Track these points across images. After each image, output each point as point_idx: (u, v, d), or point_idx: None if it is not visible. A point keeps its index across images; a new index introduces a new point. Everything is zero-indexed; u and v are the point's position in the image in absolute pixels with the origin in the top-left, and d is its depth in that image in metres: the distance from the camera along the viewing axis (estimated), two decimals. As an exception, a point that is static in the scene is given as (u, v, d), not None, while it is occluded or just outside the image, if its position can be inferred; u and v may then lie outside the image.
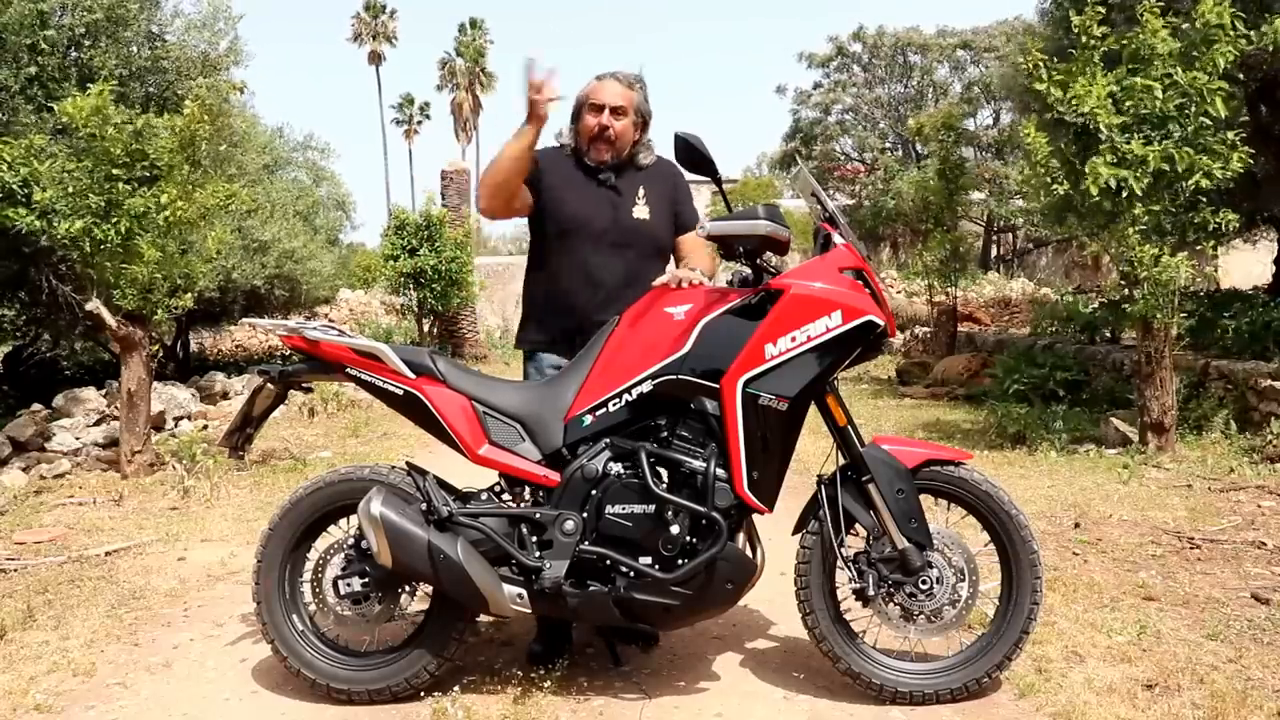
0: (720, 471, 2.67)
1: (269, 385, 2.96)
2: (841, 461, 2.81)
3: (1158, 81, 5.88)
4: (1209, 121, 5.86)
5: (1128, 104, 6.00)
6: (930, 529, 2.74)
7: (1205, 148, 5.90)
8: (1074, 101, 6.04)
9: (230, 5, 9.18)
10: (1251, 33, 5.88)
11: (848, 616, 2.84)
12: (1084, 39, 6.17)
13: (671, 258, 3.26)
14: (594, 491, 2.72)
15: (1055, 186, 6.33)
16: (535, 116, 2.90)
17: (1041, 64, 6.23)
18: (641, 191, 3.13)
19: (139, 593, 3.95)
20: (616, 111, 3.07)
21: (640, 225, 3.10)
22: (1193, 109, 5.85)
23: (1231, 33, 5.82)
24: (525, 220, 3.24)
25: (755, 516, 2.77)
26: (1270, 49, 5.95)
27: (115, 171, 6.05)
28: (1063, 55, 6.46)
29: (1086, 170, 5.97)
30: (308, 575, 2.88)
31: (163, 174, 6.23)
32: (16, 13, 7.05)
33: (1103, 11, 6.15)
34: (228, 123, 7.69)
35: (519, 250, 29.80)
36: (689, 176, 3.03)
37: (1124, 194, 5.93)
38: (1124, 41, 6.09)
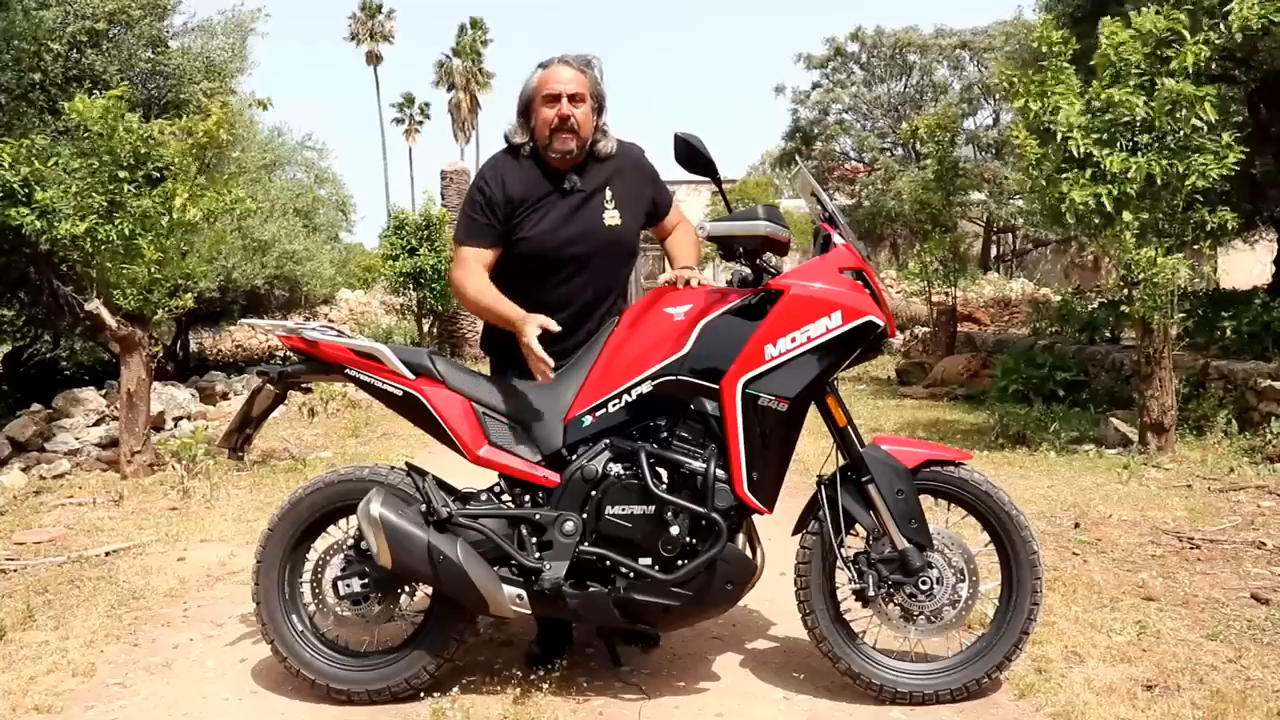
0: (720, 472, 2.67)
1: (268, 386, 2.96)
2: (841, 462, 2.81)
3: (1135, 90, 5.86)
4: (1199, 124, 5.84)
5: (1107, 116, 5.98)
6: (930, 529, 2.74)
7: (1200, 148, 5.88)
8: (1053, 114, 6.04)
9: (254, 24, 9.21)
10: (1220, 24, 5.85)
11: (848, 617, 2.84)
12: (1047, 47, 6.18)
13: (666, 252, 3.21)
14: (594, 492, 2.72)
15: (1049, 190, 6.33)
16: (533, 358, 2.70)
17: (1015, 79, 6.23)
18: (609, 193, 2.96)
19: (139, 593, 3.95)
20: (574, 99, 2.85)
21: (611, 232, 2.95)
22: (1182, 114, 5.83)
23: (1189, 34, 5.80)
24: None
25: (755, 517, 2.77)
26: (1240, 35, 5.89)
27: (121, 174, 6.06)
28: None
29: (1063, 191, 5.95)
30: (307, 576, 2.88)
31: (172, 175, 6.25)
32: (19, 18, 7.05)
33: (1056, 17, 6.15)
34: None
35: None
36: (689, 177, 3.00)
37: (1107, 205, 5.90)
38: (1099, 51, 6.06)
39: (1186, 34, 5.79)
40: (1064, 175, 6.03)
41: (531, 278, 2.95)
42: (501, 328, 2.86)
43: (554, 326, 2.72)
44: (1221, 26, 5.83)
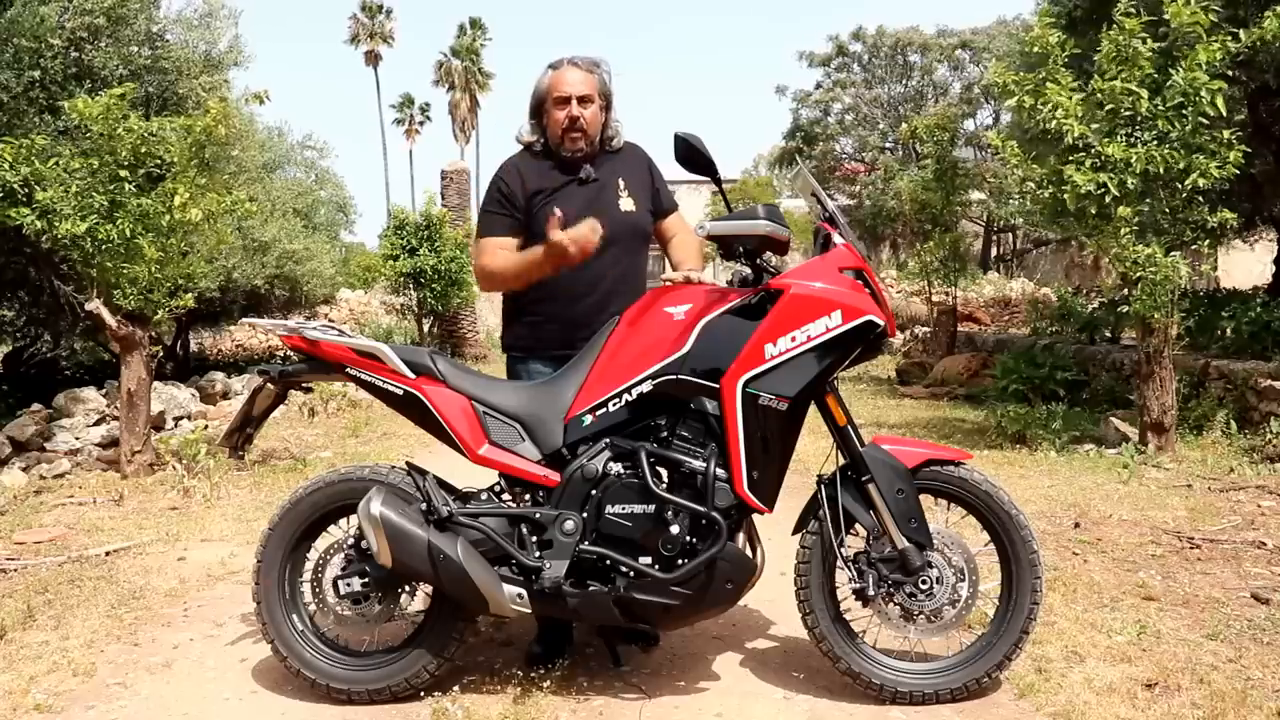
0: (720, 471, 2.67)
1: (269, 385, 2.96)
2: (841, 461, 2.81)
3: (1140, 84, 5.89)
4: (1205, 121, 5.86)
5: (1108, 107, 6.01)
6: (930, 529, 2.74)
7: (1200, 147, 5.89)
8: (1048, 110, 6.08)
9: (225, 3, 9.18)
10: (1241, 31, 5.88)
11: (848, 616, 2.84)
12: (1045, 49, 6.25)
13: (669, 255, 3.23)
14: (594, 491, 2.72)
15: (1040, 192, 6.37)
16: (556, 257, 2.82)
17: (1009, 81, 6.30)
18: (622, 183, 3.08)
19: (139, 593, 3.94)
20: (583, 100, 2.99)
21: (627, 218, 3.06)
22: (1190, 109, 5.85)
23: (1210, 33, 5.83)
24: None
25: (755, 516, 2.78)
26: (1257, 46, 5.95)
27: (121, 173, 6.06)
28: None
29: (1065, 178, 6.01)
30: (308, 575, 2.88)
31: (172, 174, 6.25)
32: (23, 13, 7.04)
33: (1054, 19, 6.22)
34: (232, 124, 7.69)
35: (519, 250, 29.71)
36: (689, 177, 3.01)
37: (1107, 197, 5.93)
38: (1101, 45, 6.11)
39: (1204, 33, 5.82)
40: (1068, 161, 6.07)
41: None
42: (542, 277, 2.94)
43: (598, 230, 2.82)
44: (1241, 34, 5.85)
